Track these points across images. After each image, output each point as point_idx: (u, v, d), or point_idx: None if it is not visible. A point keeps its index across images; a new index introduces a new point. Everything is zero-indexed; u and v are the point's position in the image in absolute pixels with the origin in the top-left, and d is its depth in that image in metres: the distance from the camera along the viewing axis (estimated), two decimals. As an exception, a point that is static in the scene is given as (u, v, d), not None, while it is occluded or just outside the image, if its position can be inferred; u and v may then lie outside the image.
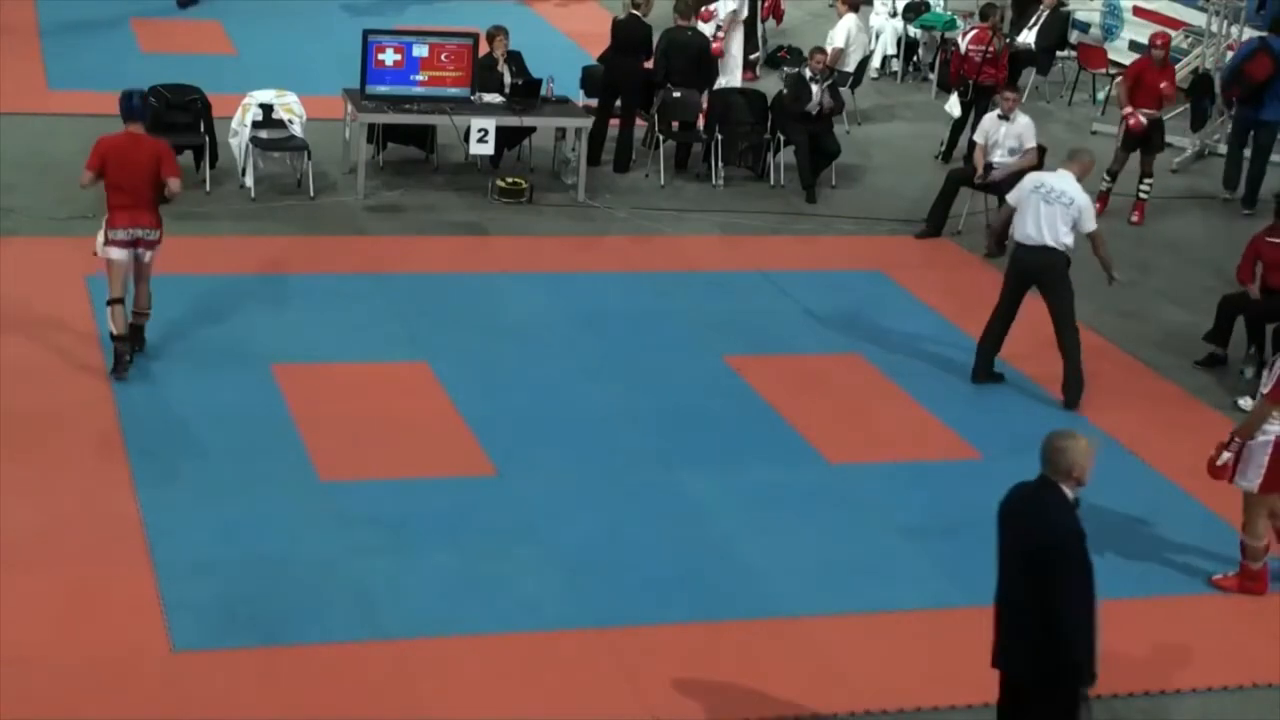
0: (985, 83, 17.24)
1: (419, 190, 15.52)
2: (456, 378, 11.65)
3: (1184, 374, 12.90)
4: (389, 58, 15.13)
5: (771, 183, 16.53)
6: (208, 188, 14.78)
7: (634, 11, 16.48)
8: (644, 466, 10.72)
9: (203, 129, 14.90)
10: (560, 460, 10.68)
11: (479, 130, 15.00)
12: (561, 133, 16.26)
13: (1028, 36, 20.39)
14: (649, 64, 16.67)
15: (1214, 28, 19.28)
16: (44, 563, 9.00)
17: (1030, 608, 7.01)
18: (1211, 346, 13.05)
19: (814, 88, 16.31)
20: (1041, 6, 20.51)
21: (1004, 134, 15.16)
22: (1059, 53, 20.94)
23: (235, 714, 7.94)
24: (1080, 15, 22.21)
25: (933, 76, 20.80)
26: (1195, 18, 20.33)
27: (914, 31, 21.32)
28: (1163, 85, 16.22)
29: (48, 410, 10.66)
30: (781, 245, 15.00)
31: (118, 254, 11.23)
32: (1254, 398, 9.65)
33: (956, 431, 11.55)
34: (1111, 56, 20.60)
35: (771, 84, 18.37)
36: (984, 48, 17.54)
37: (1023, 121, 15.24)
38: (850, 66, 18.75)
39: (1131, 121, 16.13)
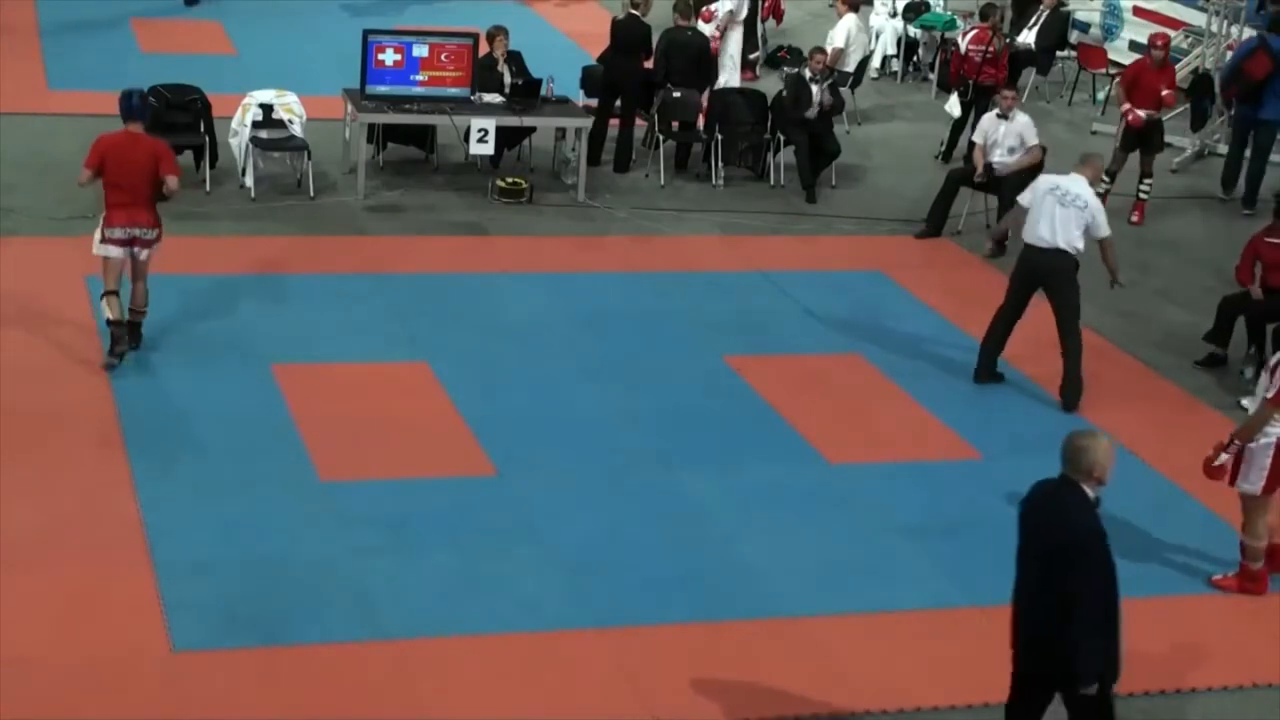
0: (985, 83, 17.25)
1: (419, 190, 15.52)
2: (456, 378, 11.66)
3: (1184, 374, 12.90)
4: (389, 58, 15.14)
5: (771, 183, 16.53)
6: (208, 188, 14.78)
7: (633, 11, 16.48)
8: (644, 466, 10.72)
9: (203, 129, 14.90)
10: (560, 460, 10.68)
11: (479, 130, 15.00)
12: (561, 133, 16.26)
13: (1028, 36, 20.39)
14: (649, 64, 16.67)
15: (1214, 28, 19.28)
16: (44, 563, 9.00)
17: (1049, 606, 7.06)
18: (1211, 346, 13.05)
19: (814, 88, 16.32)
20: (1041, 6, 20.51)
21: (1003, 133, 15.16)
22: (1059, 53, 20.94)
23: (235, 714, 7.94)
24: (1080, 15, 22.21)
25: (933, 76, 20.81)
26: (1195, 18, 20.33)
27: (914, 31, 21.32)
28: (1165, 93, 16.19)
29: (48, 410, 10.66)
30: (781, 245, 15.00)
31: (114, 251, 11.30)
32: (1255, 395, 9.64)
33: (956, 431, 11.55)
34: (1111, 56, 20.61)
35: (771, 84, 18.37)
36: (984, 48, 17.55)
37: (1022, 120, 15.25)
38: (850, 66, 18.75)
39: (1130, 117, 16.14)
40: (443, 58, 15.25)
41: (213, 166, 14.91)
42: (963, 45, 17.84)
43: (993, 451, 11.31)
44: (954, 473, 10.97)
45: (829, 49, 18.23)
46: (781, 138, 16.49)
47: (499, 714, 8.12)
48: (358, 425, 10.87)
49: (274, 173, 15.32)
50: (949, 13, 21.31)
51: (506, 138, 15.51)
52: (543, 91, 15.60)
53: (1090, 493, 7.15)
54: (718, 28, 18.36)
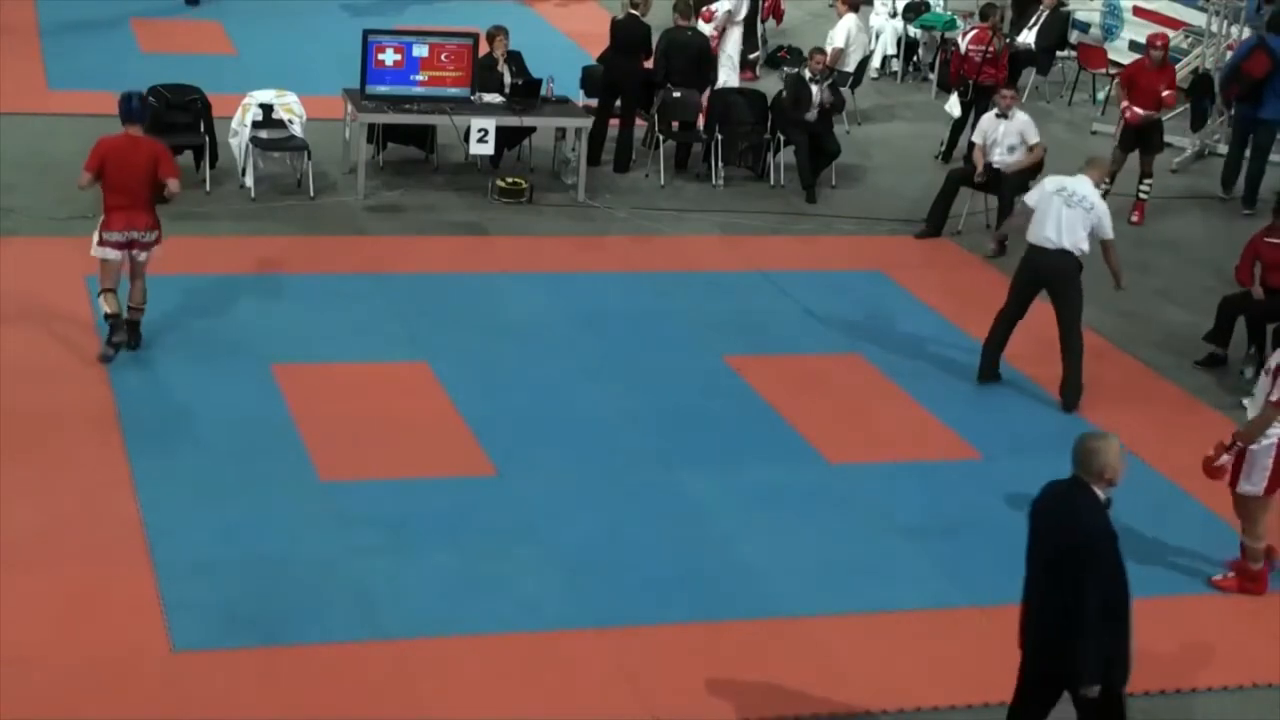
0: (985, 83, 17.24)
1: (419, 190, 15.52)
2: (456, 378, 11.66)
3: (1184, 374, 12.90)
4: (389, 58, 15.13)
5: (771, 183, 16.53)
6: (208, 188, 14.78)
7: (633, 11, 16.48)
8: (644, 466, 10.72)
9: (203, 129, 14.90)
10: (560, 460, 10.68)
11: (479, 130, 15.00)
12: (561, 133, 16.26)
13: (1028, 36, 20.39)
14: (649, 64, 16.67)
15: (1214, 28, 19.28)
16: (44, 563, 9.00)
17: (1059, 606, 7.08)
18: (1211, 346, 13.05)
19: (814, 88, 16.32)
20: (1041, 6, 20.51)
21: (1002, 132, 15.16)
22: (1059, 53, 20.94)
23: (235, 714, 7.94)
24: (1080, 15, 22.21)
25: (933, 76, 20.81)
26: (1195, 18, 20.33)
27: (914, 31, 21.32)
28: (1165, 94, 16.17)
29: (48, 410, 10.66)
30: (781, 245, 15.00)
31: (111, 254, 11.36)
32: (1254, 397, 9.64)
33: (956, 431, 11.55)
34: (1111, 56, 20.61)
35: (771, 84, 18.37)
36: (984, 48, 17.55)
37: (1021, 118, 15.25)
38: (850, 66, 18.75)
39: (1128, 115, 16.14)
40: (443, 58, 15.25)
41: (213, 166, 14.91)
42: (963, 45, 17.84)
43: (993, 451, 11.31)
44: (954, 473, 10.98)
45: (829, 49, 18.23)
46: (781, 138, 16.49)
47: (499, 714, 8.12)
48: (358, 425, 10.86)
49: (274, 173, 15.31)
50: (949, 13, 21.31)
51: (506, 138, 15.51)
52: (543, 91, 15.60)
53: (1101, 494, 7.19)
54: (716, 28, 18.36)
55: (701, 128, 16.68)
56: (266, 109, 15.02)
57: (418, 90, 15.20)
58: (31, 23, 20.04)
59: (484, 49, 15.83)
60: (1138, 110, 16.04)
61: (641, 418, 11.38)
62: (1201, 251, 15.76)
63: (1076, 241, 11.76)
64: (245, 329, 12.14)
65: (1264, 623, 9.46)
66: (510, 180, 15.48)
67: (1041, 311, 12.10)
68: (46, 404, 10.75)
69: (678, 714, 8.23)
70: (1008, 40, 19.04)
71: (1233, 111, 17.59)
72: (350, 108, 15.29)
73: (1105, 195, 16.08)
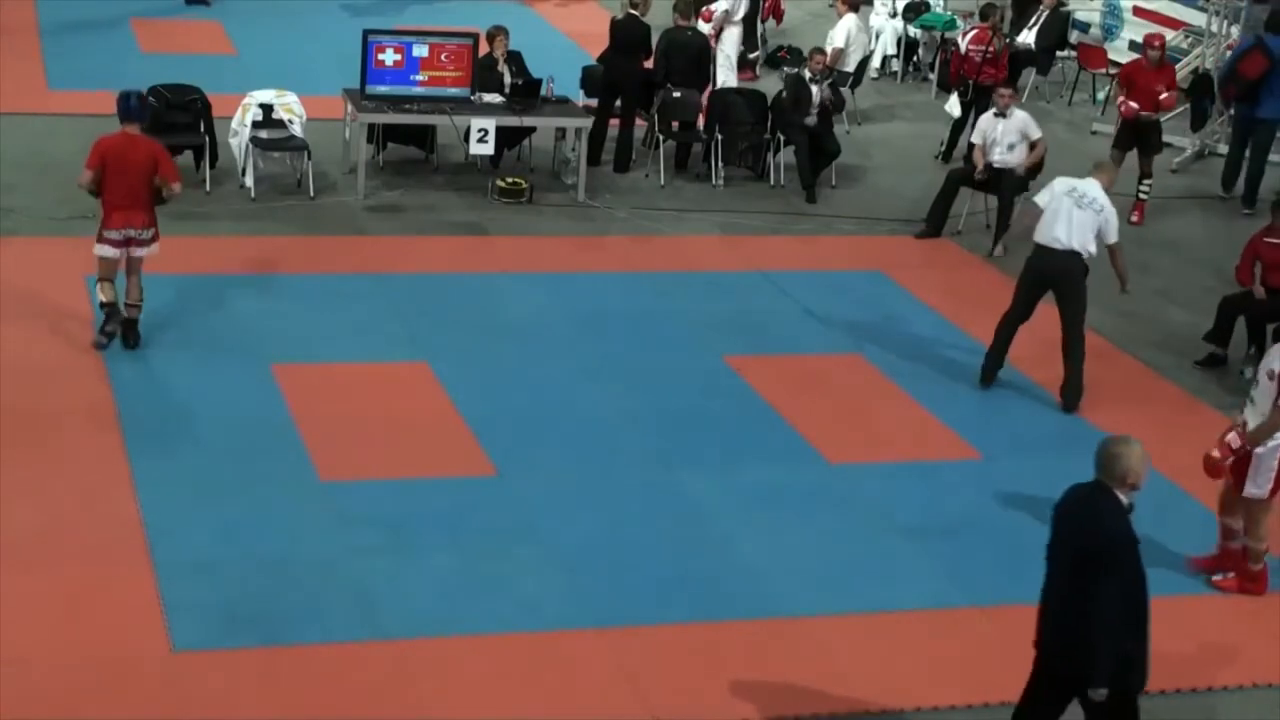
0: (985, 83, 17.24)
1: (419, 190, 15.52)
2: (456, 378, 11.65)
3: (1184, 374, 12.90)
4: (389, 58, 15.13)
5: (771, 183, 16.53)
6: (208, 188, 14.78)
7: (632, 11, 16.48)
8: (644, 466, 10.72)
9: (203, 129, 14.90)
10: (560, 460, 10.68)
11: (479, 130, 15.00)
12: (561, 133, 16.26)
13: (1028, 36, 20.40)
14: (649, 64, 16.67)
15: (1214, 28, 19.28)
16: (44, 563, 8.99)
17: (1078, 608, 7.10)
18: (1211, 346, 13.05)
19: (813, 89, 16.32)
20: (1041, 6, 20.51)
21: (1001, 131, 15.16)
22: (1059, 53, 20.95)
23: (235, 714, 7.94)
24: (1080, 15, 22.21)
25: (933, 76, 20.81)
26: (1195, 18, 20.33)
27: (914, 31, 21.32)
28: (1164, 96, 16.12)
29: (48, 410, 10.66)
30: (781, 245, 15.00)
31: (110, 252, 11.43)
32: (1252, 400, 9.62)
33: (956, 431, 11.55)
34: (1111, 56, 20.61)
35: (771, 84, 18.37)
36: (984, 48, 17.56)
37: (1020, 116, 15.26)
38: (850, 66, 18.76)
39: (1124, 109, 16.13)
40: (443, 58, 15.25)
41: (213, 166, 14.91)
42: (963, 45, 17.85)
43: (993, 451, 11.31)
44: (954, 473, 10.97)
45: (829, 49, 18.24)
46: (781, 138, 16.49)
47: (499, 714, 8.12)
48: (358, 425, 10.86)
49: (274, 173, 15.32)
50: (949, 13, 21.31)
51: (506, 138, 15.51)
52: (543, 91, 15.60)
53: (1124, 499, 7.20)
54: (714, 28, 18.37)
55: (701, 128, 16.68)
56: (266, 109, 15.02)
57: (418, 90, 15.20)
58: (31, 23, 20.05)
59: (484, 49, 15.83)
60: (1132, 105, 16.03)
61: (641, 418, 11.38)
62: (1201, 251, 15.76)
63: (1085, 243, 11.74)
64: (245, 329, 12.14)
65: (1264, 623, 9.46)
66: (510, 180, 15.48)
67: (1042, 312, 12.09)
68: (46, 404, 10.75)
69: (678, 714, 8.23)
70: (1008, 40, 19.04)
71: (1232, 111, 17.59)
72: (350, 108, 15.29)
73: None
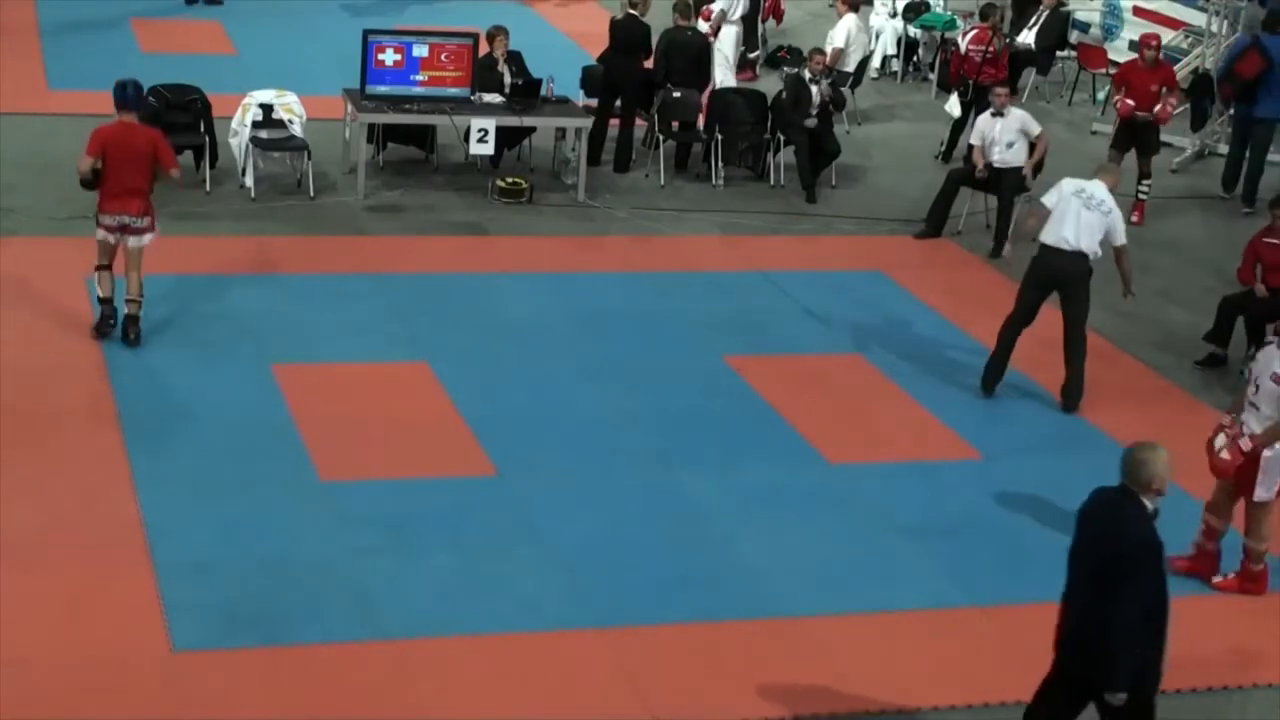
0: (985, 83, 17.20)
1: (419, 190, 15.52)
2: (456, 378, 11.65)
3: (1184, 374, 12.90)
4: (389, 58, 15.13)
5: (771, 183, 16.53)
6: (208, 188, 14.79)
7: (632, 11, 16.48)
8: (644, 466, 10.72)
9: (203, 129, 14.90)
10: (560, 460, 10.68)
11: (479, 130, 15.00)
12: (561, 133, 16.26)
13: (1028, 36, 20.40)
14: (649, 64, 16.67)
15: (1214, 28, 19.28)
16: (44, 563, 8.99)
17: (1099, 611, 7.13)
18: (1211, 346, 13.05)
19: (813, 89, 16.32)
20: (1041, 6, 20.51)
21: (999, 130, 15.16)
22: (1059, 53, 20.95)
23: (235, 714, 7.94)
24: (1080, 15, 22.21)
25: (933, 76, 20.82)
26: (1195, 18, 20.34)
27: (914, 31, 21.33)
28: (1159, 109, 16.01)
29: (48, 410, 10.66)
30: (781, 245, 15.00)
31: (105, 235, 11.57)
32: (1254, 405, 9.61)
33: (956, 431, 11.55)
34: (1111, 56, 20.60)
35: (771, 84, 18.37)
36: (984, 48, 17.56)
37: (1017, 114, 15.27)
38: (850, 66, 18.76)
39: (1120, 107, 16.13)
40: (443, 58, 15.25)
41: (213, 166, 14.92)
42: (963, 45, 17.85)
43: (993, 451, 11.31)
44: (954, 473, 10.97)
45: (829, 49, 18.25)
46: (781, 138, 16.49)
47: (499, 714, 8.12)
48: (358, 425, 10.86)
49: (274, 173, 15.32)
50: (949, 13, 21.31)
51: (506, 138, 15.51)
52: (543, 91, 15.60)
53: (1149, 504, 7.22)
54: (712, 27, 18.37)
55: (701, 128, 16.68)
56: (266, 109, 15.03)
57: (418, 90, 15.20)
58: (31, 23, 20.05)
59: (484, 49, 15.83)
60: (1128, 103, 16.03)
61: (641, 418, 11.38)
62: (1201, 251, 15.76)
63: (1092, 245, 11.71)
64: (245, 329, 12.14)
65: (1264, 623, 9.46)
66: (510, 180, 15.48)
67: (1043, 312, 12.07)
68: (46, 404, 10.75)
69: (678, 714, 8.23)
70: (1008, 40, 19.04)
71: (1232, 111, 17.60)
72: (350, 108, 15.29)
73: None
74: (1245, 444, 9.44)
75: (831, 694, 8.45)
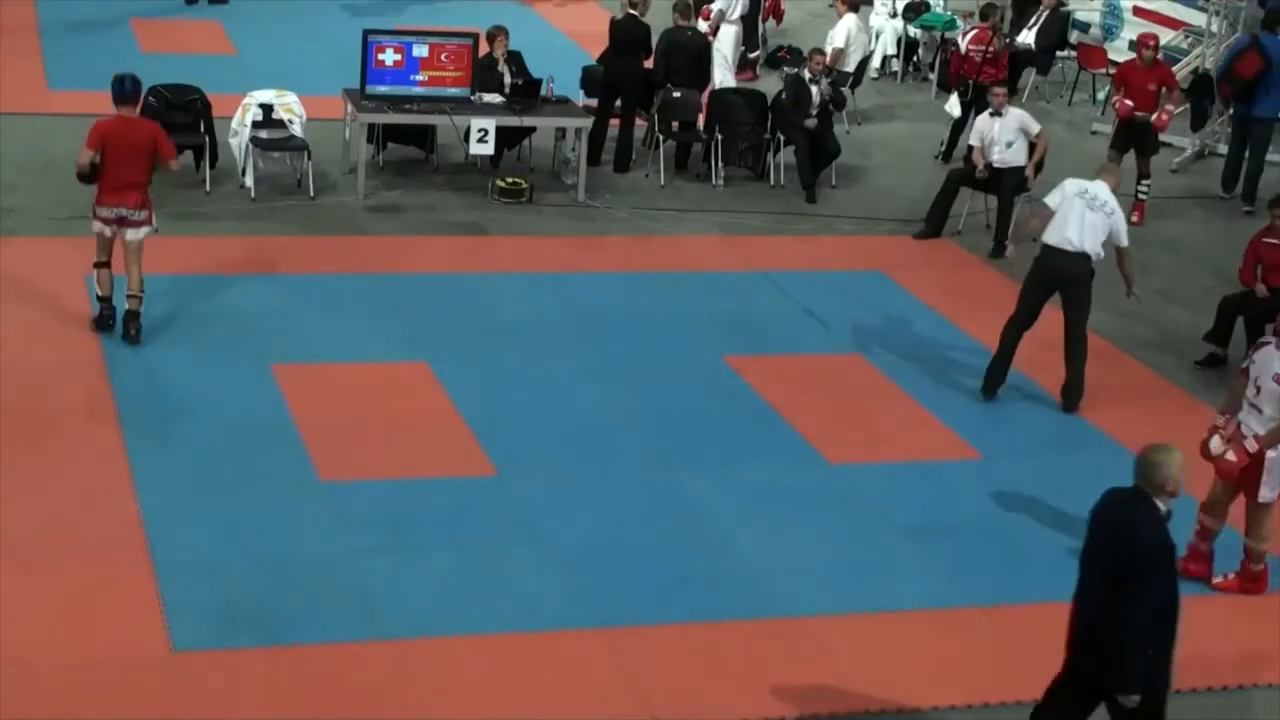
0: (985, 83, 17.21)
1: (419, 190, 15.52)
2: (456, 378, 11.65)
3: (1184, 374, 12.90)
4: (389, 58, 15.13)
5: (771, 183, 16.53)
6: (208, 188, 14.79)
7: (631, 11, 16.48)
8: (644, 466, 10.72)
9: (203, 129, 14.90)
10: (560, 460, 10.68)
11: (479, 130, 15.00)
12: (561, 133, 16.26)
13: (1028, 36, 20.40)
14: (649, 63, 16.67)
15: (1214, 28, 19.28)
16: (44, 563, 8.99)
17: (1112, 613, 7.14)
18: (1211, 346, 13.05)
19: (813, 89, 16.32)
20: (1041, 6, 20.52)
21: (998, 130, 15.17)
22: (1059, 53, 20.95)
23: (235, 714, 7.94)
24: (1080, 15, 22.22)
25: (933, 76, 20.82)
26: (1195, 18, 20.33)
27: (914, 31, 21.33)
28: (1157, 117, 16.01)
29: (48, 410, 10.66)
30: (781, 245, 15.00)
31: (101, 227, 11.59)
32: (1252, 403, 9.61)
33: (956, 431, 11.55)
34: (1111, 56, 20.60)
35: (771, 84, 18.37)
36: (984, 48, 17.56)
37: (1015, 113, 15.28)
38: (850, 66, 18.76)
39: (1119, 108, 16.13)
40: (443, 58, 15.25)
41: (213, 166, 14.92)
42: (963, 45, 17.86)
43: (993, 451, 11.31)
44: (954, 473, 10.97)
45: (829, 49, 18.25)
46: (781, 138, 16.49)
47: (499, 714, 8.12)
48: (358, 425, 10.86)
49: (274, 173, 15.32)
50: (949, 13, 21.31)
51: (506, 138, 15.51)
52: (543, 91, 15.60)
53: (1162, 506, 7.22)
54: (710, 27, 18.38)
55: (701, 128, 16.68)
56: (266, 109, 15.03)
57: (418, 90, 15.20)
58: (31, 23, 20.05)
59: (484, 49, 15.83)
60: (1127, 102, 16.04)
61: (641, 418, 11.38)
62: (1201, 251, 15.76)
63: (1095, 246, 11.69)
64: (245, 329, 12.14)
65: (1264, 623, 9.46)
66: (510, 180, 15.48)
67: (1043, 313, 12.06)
68: (46, 404, 10.75)
69: (678, 714, 8.23)
70: (1008, 40, 19.04)
71: (1231, 111, 17.61)
72: (350, 108, 15.29)
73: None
74: (1251, 445, 9.43)
75: (831, 694, 8.45)
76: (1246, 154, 17.02)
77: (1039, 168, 15.21)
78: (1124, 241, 11.88)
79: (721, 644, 8.82)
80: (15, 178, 14.73)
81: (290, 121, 15.09)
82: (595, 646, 8.71)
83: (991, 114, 15.28)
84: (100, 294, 11.69)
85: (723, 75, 18.41)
